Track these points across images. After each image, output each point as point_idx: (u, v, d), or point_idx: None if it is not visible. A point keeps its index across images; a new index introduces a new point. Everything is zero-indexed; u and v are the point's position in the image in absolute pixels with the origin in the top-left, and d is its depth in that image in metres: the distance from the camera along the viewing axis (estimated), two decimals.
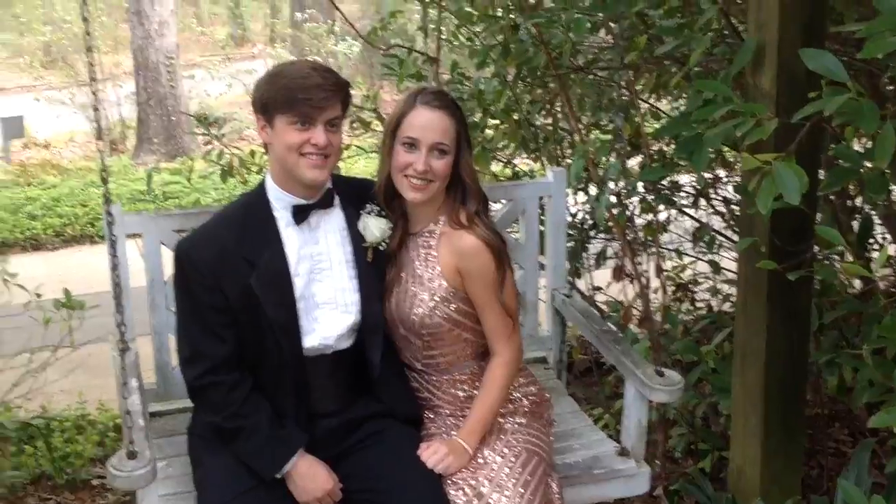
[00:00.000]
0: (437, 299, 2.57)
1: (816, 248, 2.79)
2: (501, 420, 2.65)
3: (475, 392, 2.66)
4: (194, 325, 2.49)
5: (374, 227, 2.57)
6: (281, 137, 2.42)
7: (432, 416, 2.71)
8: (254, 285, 2.44)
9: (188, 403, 2.69)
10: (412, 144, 2.53)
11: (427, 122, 2.52)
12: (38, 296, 3.96)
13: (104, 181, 2.27)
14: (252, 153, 4.21)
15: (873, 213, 3.57)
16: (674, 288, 4.59)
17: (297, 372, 2.52)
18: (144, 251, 2.89)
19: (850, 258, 3.72)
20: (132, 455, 2.27)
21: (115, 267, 2.45)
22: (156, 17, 12.95)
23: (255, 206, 2.54)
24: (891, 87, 3.42)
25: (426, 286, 2.58)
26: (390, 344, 2.68)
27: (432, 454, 2.49)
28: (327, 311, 2.55)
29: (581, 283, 4.43)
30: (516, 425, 2.65)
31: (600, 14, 3.16)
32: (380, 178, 2.64)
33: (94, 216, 9.74)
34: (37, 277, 4.73)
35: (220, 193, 9.91)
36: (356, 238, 2.58)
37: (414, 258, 2.63)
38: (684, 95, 4.10)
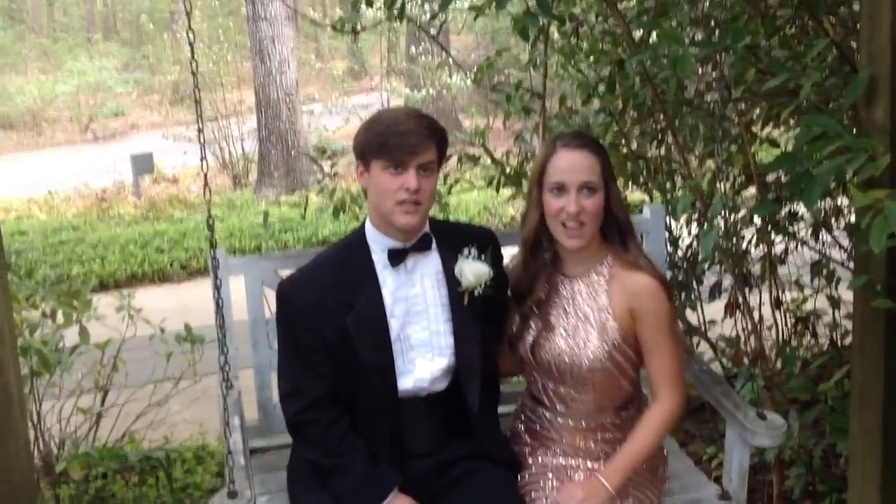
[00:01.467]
0: (610, 344, 2.54)
1: None
2: None
3: (596, 445, 2.63)
4: (294, 362, 2.56)
5: (470, 272, 2.58)
6: (376, 182, 2.47)
7: (539, 455, 2.67)
8: (350, 327, 2.49)
9: (289, 439, 2.75)
10: (560, 188, 2.52)
11: (571, 164, 2.52)
12: (162, 330, 4.13)
13: (210, 228, 2.37)
14: (365, 189, 4.30)
15: None
16: (794, 321, 4.46)
17: (392, 413, 2.55)
18: (247, 292, 2.99)
19: None
20: (233, 494, 2.34)
21: (219, 309, 2.53)
22: (276, 56, 13.38)
23: (354, 248, 2.60)
24: None
25: (598, 329, 2.55)
26: (490, 385, 2.69)
27: (569, 499, 2.47)
28: (422, 354, 2.58)
29: (693, 317, 4.36)
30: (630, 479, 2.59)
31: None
32: (526, 229, 2.64)
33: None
34: (163, 310, 4.93)
35: (336, 227, 10.12)
36: (452, 282, 2.60)
37: (579, 300, 2.60)
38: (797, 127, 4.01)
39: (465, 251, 2.62)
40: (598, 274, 2.59)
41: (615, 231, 2.58)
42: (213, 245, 2.44)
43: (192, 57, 2.30)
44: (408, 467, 2.57)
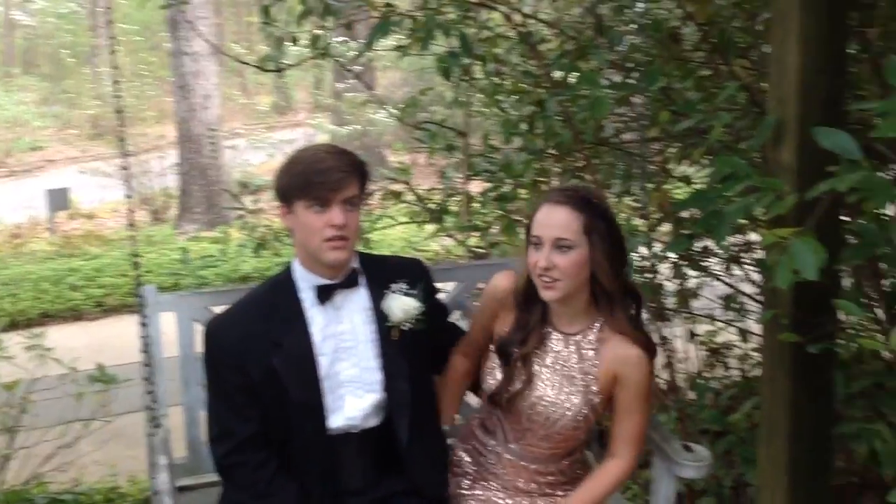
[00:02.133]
0: (588, 408, 2.57)
1: (845, 317, 2.78)
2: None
3: (538, 488, 2.67)
4: (221, 403, 2.54)
5: (398, 307, 2.58)
6: (302, 221, 2.47)
7: (479, 484, 2.69)
8: (277, 366, 2.48)
9: (218, 477, 2.71)
10: (537, 243, 2.53)
11: (548, 219, 2.51)
12: (74, 369, 4.04)
13: (136, 266, 2.35)
14: (289, 229, 4.29)
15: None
16: (706, 353, 4.57)
17: (323, 450, 2.54)
18: (178, 328, 2.95)
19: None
20: None
21: (146, 347, 2.51)
22: (200, 91, 13.29)
23: (281, 287, 2.59)
24: None
25: (579, 391, 2.57)
26: (421, 421, 2.68)
27: None
28: (352, 390, 2.58)
29: None
30: None
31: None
32: (521, 280, 2.64)
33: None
34: (76, 348, 4.83)
35: (258, 263, 10.03)
36: (381, 317, 2.61)
37: (566, 358, 2.61)
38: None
39: (394, 286, 2.62)
40: (588, 335, 2.61)
41: (602, 294, 2.58)
42: (138, 284, 2.42)
43: (117, 93, 2.27)
44: None
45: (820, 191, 2.11)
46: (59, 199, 13.85)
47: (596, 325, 2.61)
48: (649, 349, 2.58)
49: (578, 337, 2.62)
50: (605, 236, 2.54)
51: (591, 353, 2.59)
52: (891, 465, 2.66)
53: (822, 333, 2.52)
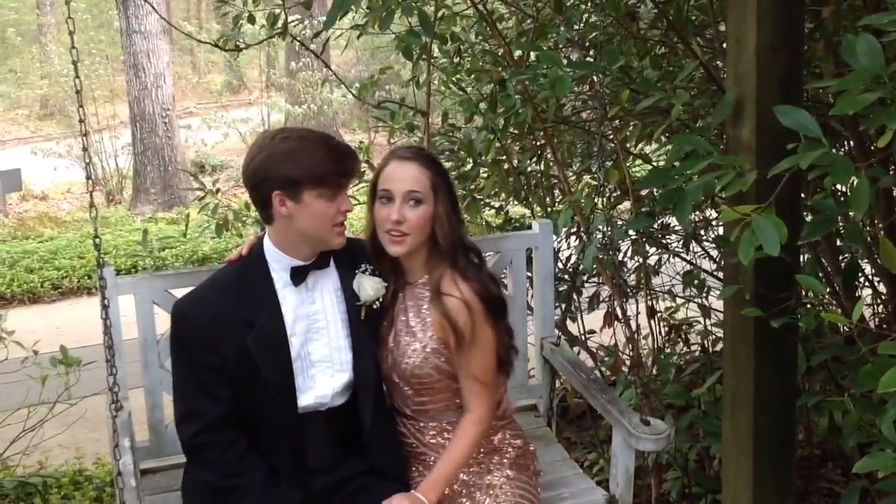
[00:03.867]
0: (428, 350, 2.62)
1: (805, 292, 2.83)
2: (489, 476, 2.68)
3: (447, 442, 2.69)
4: (190, 384, 2.53)
5: (369, 286, 2.62)
6: (311, 210, 2.47)
7: (420, 469, 2.73)
8: (251, 346, 2.48)
9: (181, 460, 2.71)
10: (388, 197, 2.59)
11: (399, 173, 2.60)
12: (35, 353, 4.00)
13: (97, 247, 2.33)
14: (247, 205, 4.26)
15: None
16: (667, 329, 4.63)
17: (293, 429, 2.56)
18: (137, 311, 2.93)
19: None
20: None
21: (107, 330, 2.48)
22: (152, 70, 13.12)
23: (252, 268, 2.59)
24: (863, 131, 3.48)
25: (417, 337, 2.64)
26: (381, 402, 2.73)
27: None
28: (323, 370, 2.60)
29: (574, 327, 4.48)
30: (503, 479, 2.68)
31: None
32: (367, 237, 2.70)
33: (92, 268, 9.76)
34: (35, 331, 4.76)
35: (216, 244, 9.96)
36: (350, 297, 2.63)
37: (409, 308, 2.68)
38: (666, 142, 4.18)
39: (363, 266, 2.66)
40: (424, 286, 2.68)
41: (440, 246, 2.64)
42: (100, 264, 2.40)
43: (76, 74, 2.26)
44: (310, 484, 2.59)
45: (782, 168, 2.13)
46: (11, 181, 13.57)
47: (431, 275, 2.66)
48: (469, 298, 2.59)
49: (417, 288, 2.68)
50: (447, 194, 2.65)
51: (424, 301, 2.65)
52: (853, 437, 2.72)
53: (784, 308, 2.57)
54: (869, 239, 3.43)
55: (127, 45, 13.23)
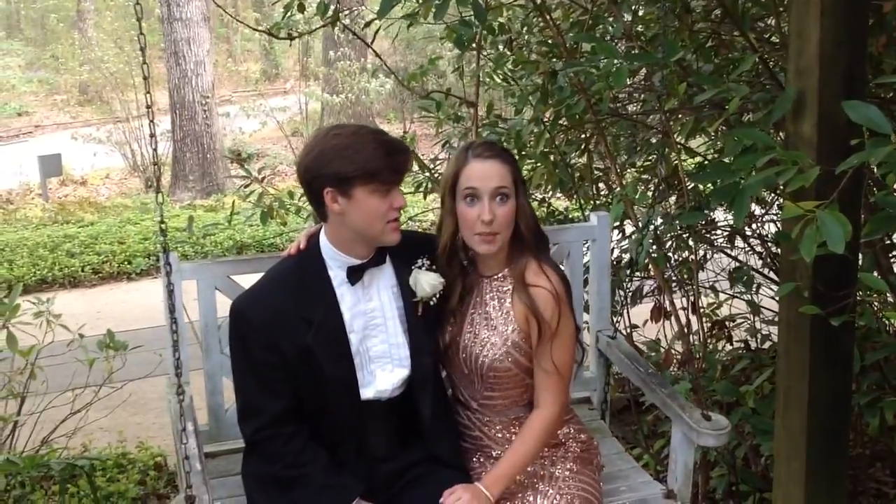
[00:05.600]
0: (509, 344, 2.60)
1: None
2: (552, 468, 2.67)
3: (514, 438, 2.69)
4: (250, 381, 2.55)
5: (425, 282, 2.61)
6: (363, 206, 2.47)
7: (482, 459, 2.73)
8: (311, 343, 2.49)
9: (240, 444, 2.73)
10: (473, 196, 2.57)
11: (483, 172, 2.57)
12: (81, 336, 4.03)
13: (163, 233, 2.34)
14: (290, 194, 4.28)
15: None
16: (710, 325, 4.59)
17: (355, 420, 2.58)
18: (199, 297, 2.96)
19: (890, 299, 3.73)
20: (191, 499, 2.33)
21: (172, 313, 2.50)
22: (192, 58, 13.20)
23: (309, 265, 2.60)
24: None
25: (499, 330, 2.62)
26: (441, 395, 2.73)
27: (454, 500, 2.49)
28: (382, 365, 2.61)
29: (618, 322, 4.46)
30: (567, 472, 2.66)
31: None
32: (443, 238, 2.67)
33: (132, 254, 9.88)
34: (75, 315, 4.80)
35: (254, 231, 10.01)
36: (407, 293, 2.63)
37: (488, 301, 2.67)
38: (715, 136, 4.14)
39: (419, 262, 2.65)
40: (505, 278, 2.66)
41: (522, 239, 2.63)
42: (165, 249, 2.42)
43: (144, 60, 2.29)
44: (370, 472, 2.60)
45: (851, 164, 2.10)
46: (51, 166, 13.75)
47: (513, 267, 2.64)
48: (554, 290, 2.58)
49: (498, 281, 2.67)
50: (524, 186, 2.66)
51: (507, 294, 2.63)
52: None
53: (843, 306, 2.53)
54: None
55: (168, 33, 13.33)
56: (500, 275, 2.67)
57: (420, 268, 2.64)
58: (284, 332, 2.49)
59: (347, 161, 2.44)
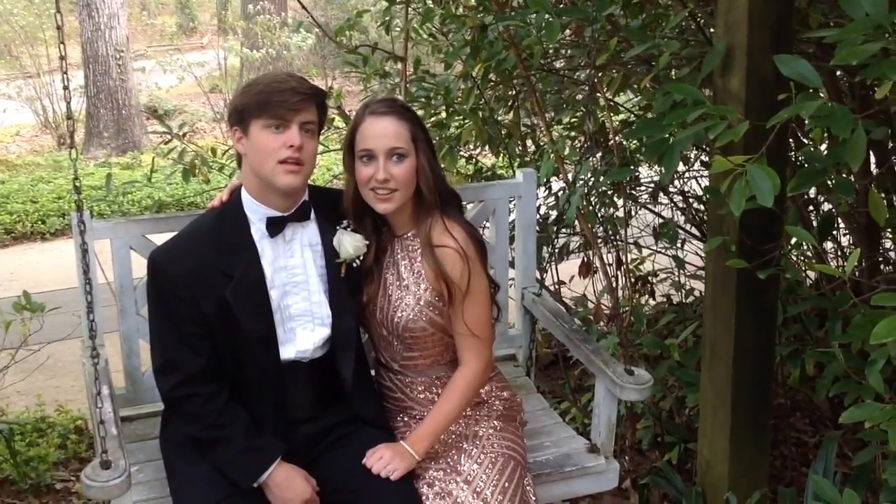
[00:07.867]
0: (422, 304, 2.58)
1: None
2: (476, 427, 2.67)
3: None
4: (169, 335, 2.48)
5: (349, 243, 2.57)
6: (257, 143, 2.42)
7: (406, 419, 2.72)
8: (229, 297, 2.43)
9: (158, 407, 2.68)
10: (369, 156, 2.52)
11: (378, 131, 2.52)
12: None
13: (77, 190, 2.26)
14: (213, 151, 4.18)
15: (833, 210, 3.66)
16: (633, 281, 4.65)
17: (275, 380, 2.53)
18: (113, 256, 2.87)
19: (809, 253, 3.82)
20: (106, 464, 2.26)
21: (86, 273, 2.40)
22: (105, 10, 12.74)
23: (230, 217, 2.53)
24: (844, 81, 3.49)
25: (411, 290, 2.59)
26: (362, 357, 2.71)
27: (377, 459, 2.49)
28: (303, 324, 2.56)
29: (546, 278, 4.48)
30: (490, 430, 2.66)
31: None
32: (346, 196, 2.63)
33: (45, 213, 9.56)
34: None
35: (175, 189, 9.79)
36: (330, 252, 2.58)
37: (400, 261, 2.63)
38: (640, 93, 4.16)
39: (344, 223, 2.61)
40: (415, 237, 2.63)
41: (426, 197, 2.59)
42: (79, 208, 2.33)
43: (58, 9, 2.20)
44: (293, 433, 2.56)
45: (782, 118, 2.13)
46: None
47: (421, 226, 2.61)
48: (465, 247, 2.56)
49: (408, 240, 2.64)
50: (427, 143, 2.60)
51: (416, 253, 2.61)
52: (828, 388, 2.76)
53: (769, 259, 2.58)
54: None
55: None
56: (409, 234, 2.64)
57: (346, 228, 2.60)
58: (203, 285, 2.42)
59: (245, 94, 2.44)
